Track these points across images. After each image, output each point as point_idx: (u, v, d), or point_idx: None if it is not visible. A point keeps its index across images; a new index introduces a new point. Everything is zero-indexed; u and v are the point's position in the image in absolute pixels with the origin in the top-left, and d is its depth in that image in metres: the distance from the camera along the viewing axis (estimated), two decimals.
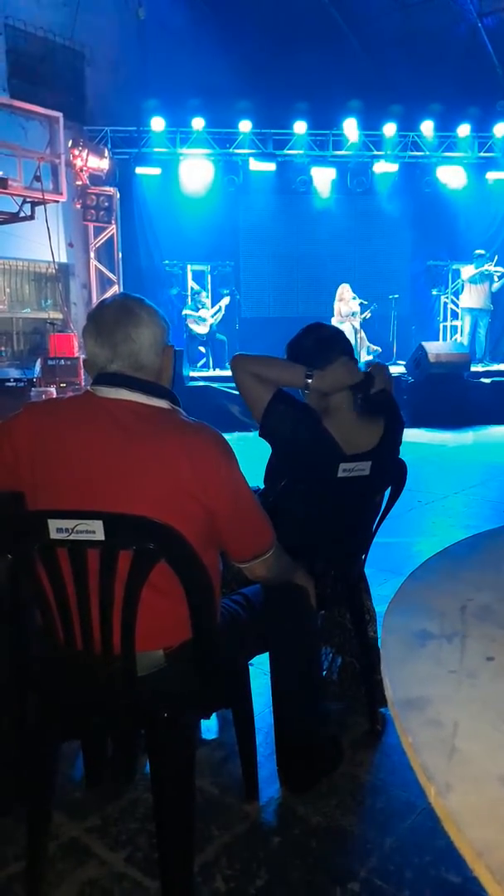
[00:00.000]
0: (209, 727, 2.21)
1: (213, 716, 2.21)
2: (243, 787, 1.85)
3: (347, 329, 9.81)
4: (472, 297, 10.56)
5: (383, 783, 1.93)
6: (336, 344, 2.00)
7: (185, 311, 10.58)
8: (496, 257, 10.50)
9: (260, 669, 2.01)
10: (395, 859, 1.63)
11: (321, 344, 2.00)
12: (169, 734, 1.44)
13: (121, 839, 1.71)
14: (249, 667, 1.82)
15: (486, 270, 10.29)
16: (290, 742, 1.89)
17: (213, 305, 10.74)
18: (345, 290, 10.36)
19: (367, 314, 10.39)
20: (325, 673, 2.36)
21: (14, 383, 8.07)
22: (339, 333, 2.10)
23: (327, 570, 2.06)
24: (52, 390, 8.23)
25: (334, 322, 9.78)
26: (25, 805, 1.56)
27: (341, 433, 1.94)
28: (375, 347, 10.74)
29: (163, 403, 1.47)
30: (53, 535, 1.31)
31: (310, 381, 1.91)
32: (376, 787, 1.92)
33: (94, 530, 1.29)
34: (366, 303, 10.37)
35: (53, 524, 1.31)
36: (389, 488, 2.10)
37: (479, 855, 0.50)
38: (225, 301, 10.69)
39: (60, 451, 1.41)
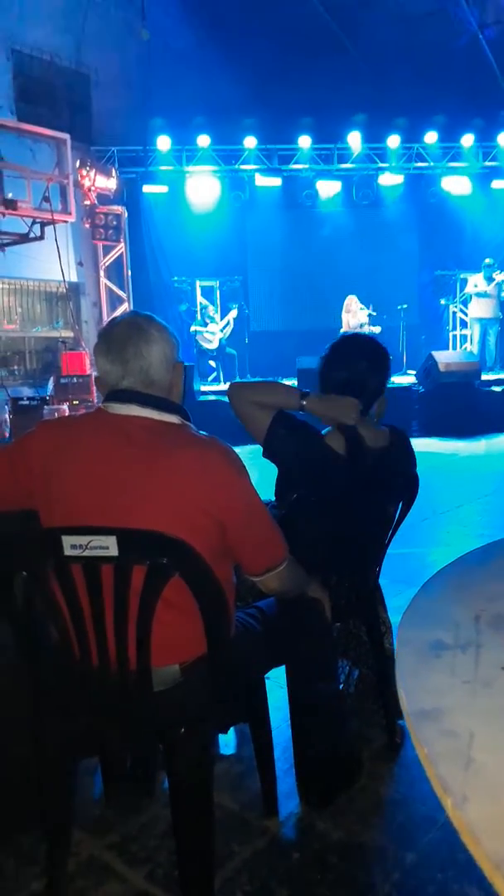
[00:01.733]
0: (227, 742, 2.20)
1: (231, 731, 2.20)
2: (262, 802, 1.84)
3: None
4: (481, 307, 10.56)
5: (403, 797, 1.91)
6: (355, 386, 1.97)
7: (193, 328, 10.64)
8: (500, 270, 10.49)
9: (276, 683, 2.00)
10: (418, 874, 1.62)
11: (344, 381, 1.97)
12: (186, 749, 1.44)
13: (140, 856, 1.70)
14: (266, 680, 1.82)
15: (485, 293, 10.28)
16: (309, 756, 1.88)
17: (220, 319, 10.80)
18: (352, 302, 10.38)
19: (377, 329, 10.39)
20: (341, 686, 2.35)
21: (27, 402, 8.13)
22: (368, 374, 2.00)
23: (341, 581, 2.06)
24: (65, 408, 8.29)
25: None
26: (45, 823, 1.56)
27: (343, 441, 1.94)
28: None
29: (174, 419, 1.48)
30: (67, 551, 1.32)
31: (304, 402, 1.90)
32: (396, 801, 1.90)
33: (108, 546, 1.30)
34: (374, 314, 10.38)
35: (67, 540, 1.32)
36: (402, 502, 2.09)
37: (497, 867, 0.49)
38: (233, 314, 10.75)
39: (74, 467, 1.42)
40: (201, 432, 1.49)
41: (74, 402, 8.59)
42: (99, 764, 1.94)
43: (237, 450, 1.50)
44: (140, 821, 1.82)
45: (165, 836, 1.74)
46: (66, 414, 7.83)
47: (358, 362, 1.98)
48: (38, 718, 1.65)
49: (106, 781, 1.90)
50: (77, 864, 1.67)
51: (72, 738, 1.54)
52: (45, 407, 7.89)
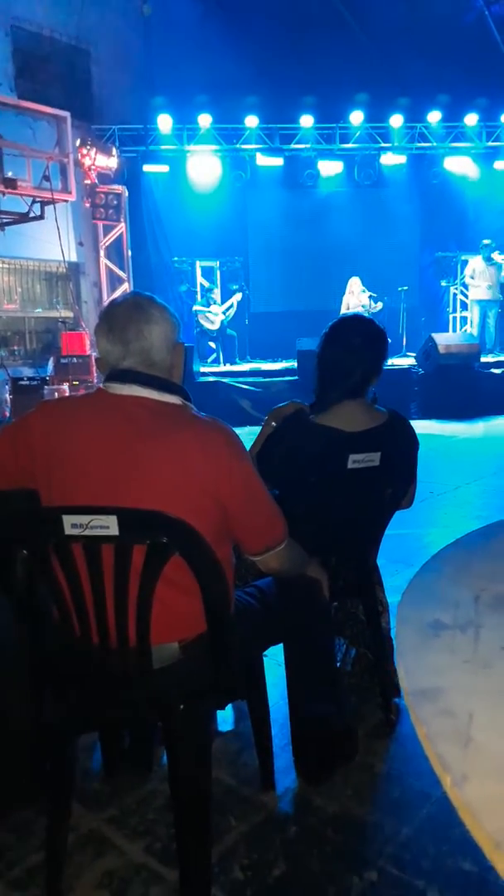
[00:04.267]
0: (225, 718, 2.23)
1: (229, 707, 2.23)
2: (259, 777, 1.87)
3: None
4: (481, 288, 10.51)
5: (398, 773, 1.94)
6: (348, 378, 1.98)
7: (196, 307, 10.60)
8: (498, 250, 10.44)
9: (274, 660, 2.03)
10: (412, 848, 1.64)
11: (334, 374, 1.99)
12: (185, 726, 1.46)
13: (139, 830, 1.73)
14: (264, 658, 1.84)
15: (479, 282, 10.24)
16: (306, 732, 1.90)
17: (222, 301, 10.75)
18: (354, 284, 10.33)
19: (379, 305, 10.35)
20: (339, 664, 2.37)
21: (27, 382, 8.12)
22: (361, 363, 2.00)
23: (340, 561, 2.07)
24: (65, 388, 8.28)
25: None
26: (45, 797, 1.58)
27: (343, 416, 1.95)
28: None
29: (174, 399, 1.48)
30: (68, 530, 1.32)
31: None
32: (391, 776, 1.93)
33: (109, 525, 1.31)
34: (375, 295, 10.34)
35: (68, 520, 1.32)
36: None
37: (497, 846, 0.50)
38: (236, 298, 10.71)
39: (74, 447, 1.43)
40: (202, 413, 1.50)
41: (74, 383, 8.58)
42: (98, 739, 1.97)
43: (237, 431, 1.50)
44: (138, 795, 1.85)
45: (163, 811, 1.77)
46: (67, 394, 7.83)
47: (353, 342, 1.99)
48: (38, 694, 1.67)
49: (105, 756, 1.93)
50: (76, 838, 1.69)
51: (71, 713, 1.56)
52: (45, 387, 7.88)
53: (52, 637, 1.50)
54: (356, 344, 1.98)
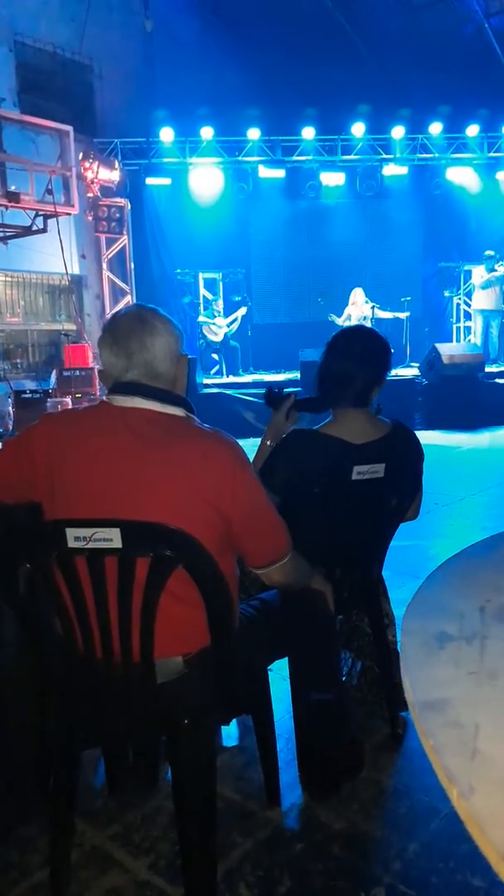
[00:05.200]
0: (230, 733, 2.21)
1: (234, 722, 2.21)
2: (265, 793, 1.85)
3: None
4: (484, 299, 10.53)
5: (406, 787, 1.91)
6: (349, 387, 1.97)
7: (201, 319, 10.63)
8: (502, 260, 10.45)
9: (279, 675, 2.01)
10: (420, 864, 1.62)
11: (335, 383, 1.99)
12: (189, 741, 1.44)
13: (143, 847, 1.71)
14: (269, 672, 1.82)
15: (493, 279, 10.24)
16: (311, 747, 1.88)
17: (226, 313, 10.78)
18: (357, 294, 10.35)
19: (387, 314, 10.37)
20: (344, 678, 2.35)
21: (30, 395, 8.13)
22: (360, 369, 1.98)
23: (345, 574, 2.06)
24: (68, 401, 8.29)
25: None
26: (48, 813, 1.56)
27: (347, 427, 1.95)
28: None
29: (178, 411, 1.48)
30: (71, 543, 1.32)
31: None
32: (399, 791, 1.91)
33: (112, 538, 1.30)
34: (377, 305, 10.35)
35: (71, 533, 1.32)
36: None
37: (503, 857, 0.49)
38: (242, 311, 10.74)
39: (77, 460, 1.42)
40: (205, 425, 1.49)
41: (77, 395, 8.59)
42: (102, 755, 1.95)
43: (240, 443, 1.50)
44: (143, 811, 1.83)
45: (168, 827, 1.75)
46: (69, 407, 7.84)
47: (354, 352, 1.99)
48: (43, 710, 1.66)
49: (109, 772, 1.91)
50: (80, 855, 1.68)
51: (75, 729, 1.54)
52: (49, 400, 7.90)
53: (56, 652, 1.49)
54: (358, 353, 1.98)
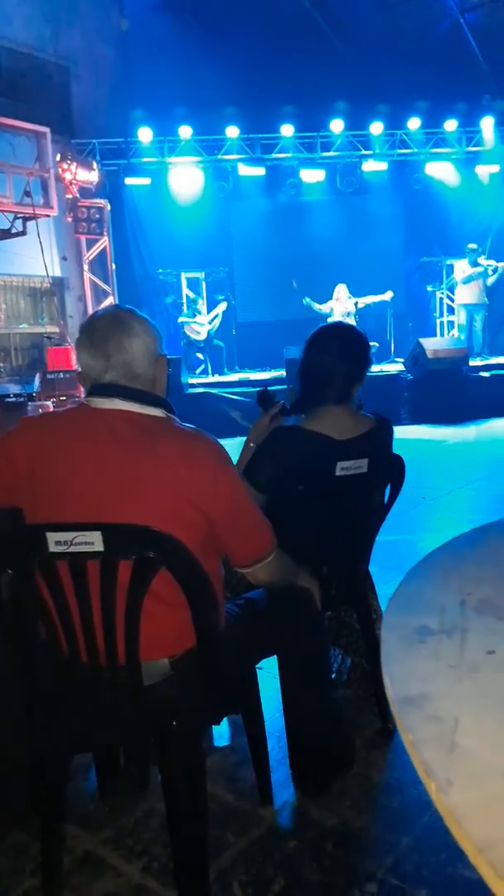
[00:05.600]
0: (221, 733, 2.20)
1: (225, 722, 2.21)
2: (257, 792, 1.84)
3: None
4: (467, 293, 10.57)
5: (397, 782, 1.92)
6: (331, 385, 1.98)
7: (181, 319, 10.60)
8: (485, 253, 10.52)
9: (270, 673, 2.01)
10: (412, 858, 1.63)
11: (317, 381, 1.99)
12: (178, 743, 1.44)
13: (136, 850, 1.70)
14: (258, 671, 1.82)
15: (474, 274, 10.29)
16: (303, 745, 1.89)
17: (208, 312, 10.76)
18: (340, 291, 10.35)
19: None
20: (334, 675, 2.36)
21: (14, 399, 8.08)
22: (342, 367, 2.00)
23: (331, 570, 2.06)
24: (49, 404, 8.25)
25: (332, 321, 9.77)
26: (39, 819, 1.55)
27: (330, 423, 1.95)
28: (374, 343, 10.73)
29: (157, 412, 1.47)
30: (52, 548, 1.31)
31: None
32: (390, 786, 1.91)
33: (93, 541, 1.29)
34: (358, 301, 10.35)
35: (52, 537, 1.31)
36: (389, 486, 2.10)
37: (480, 850, 0.49)
38: (222, 307, 10.70)
39: (58, 464, 1.41)
40: (186, 425, 1.49)
41: (62, 398, 8.56)
42: (93, 759, 1.94)
43: (222, 442, 1.49)
44: (135, 815, 1.82)
45: (161, 830, 1.74)
46: (51, 410, 7.80)
47: (333, 349, 2.00)
48: (30, 716, 1.65)
49: (100, 776, 1.90)
50: (72, 860, 1.67)
51: (64, 734, 1.54)
52: (30, 403, 7.85)
53: (42, 657, 1.48)
54: (337, 350, 1.99)
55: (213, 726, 2.16)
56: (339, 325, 2.16)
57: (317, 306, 10.14)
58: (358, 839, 1.71)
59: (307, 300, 10.14)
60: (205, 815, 1.49)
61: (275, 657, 1.84)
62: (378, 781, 1.93)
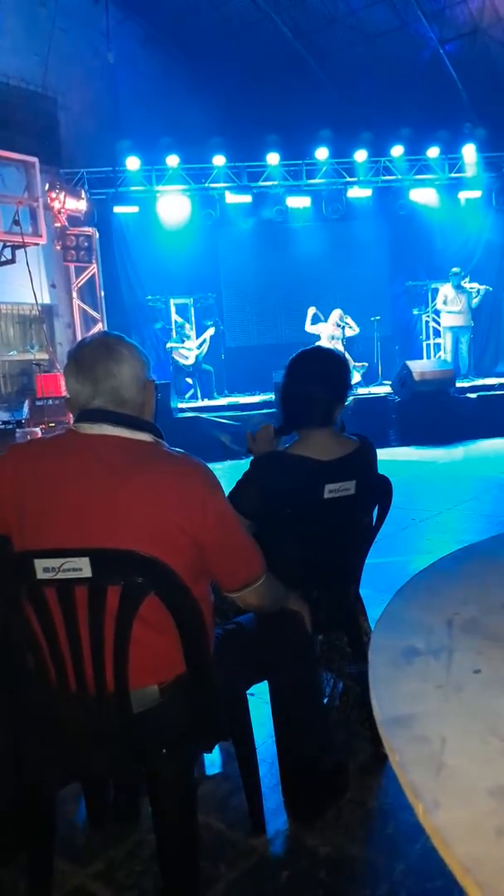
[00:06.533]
0: (213, 761, 2.18)
1: (217, 749, 2.18)
2: (249, 820, 1.82)
3: None
4: (452, 316, 10.69)
5: (391, 807, 1.90)
6: (312, 409, 1.99)
7: (169, 345, 10.65)
8: (468, 276, 10.68)
9: (261, 699, 1.99)
10: (407, 885, 1.60)
11: (299, 406, 2.01)
12: (168, 771, 1.42)
13: (127, 883, 1.67)
14: (250, 696, 1.80)
15: (456, 299, 10.44)
16: (295, 771, 1.86)
17: (197, 337, 10.82)
18: (334, 315, 10.45)
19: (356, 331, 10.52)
20: (326, 699, 2.34)
21: (3, 426, 8.08)
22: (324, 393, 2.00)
23: (321, 593, 2.06)
24: (38, 430, 8.24)
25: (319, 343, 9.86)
26: (26, 854, 1.53)
27: (314, 446, 1.96)
28: (362, 364, 10.81)
29: (146, 437, 1.47)
30: (40, 574, 1.30)
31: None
32: (384, 811, 1.89)
33: (81, 567, 1.29)
34: (346, 323, 10.45)
35: (40, 564, 1.30)
36: (377, 507, 2.10)
37: (466, 870, 0.49)
38: (210, 332, 10.77)
39: (45, 490, 1.41)
40: (174, 449, 1.49)
41: (51, 424, 8.55)
42: (82, 790, 1.91)
43: (211, 466, 1.50)
44: (125, 847, 1.79)
45: (152, 862, 1.71)
46: (39, 436, 7.79)
47: (313, 373, 2.01)
48: (18, 746, 1.62)
49: (89, 808, 1.87)
50: None
51: (52, 764, 1.51)
52: (18, 430, 7.84)
53: (30, 685, 1.46)
54: (318, 375, 2.01)
55: (206, 754, 2.13)
56: (318, 351, 2.17)
57: (311, 329, 10.24)
58: (352, 867, 1.69)
59: (311, 310, 10.23)
60: (195, 845, 1.47)
61: (266, 682, 1.83)
62: (372, 807, 1.91)
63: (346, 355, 10.37)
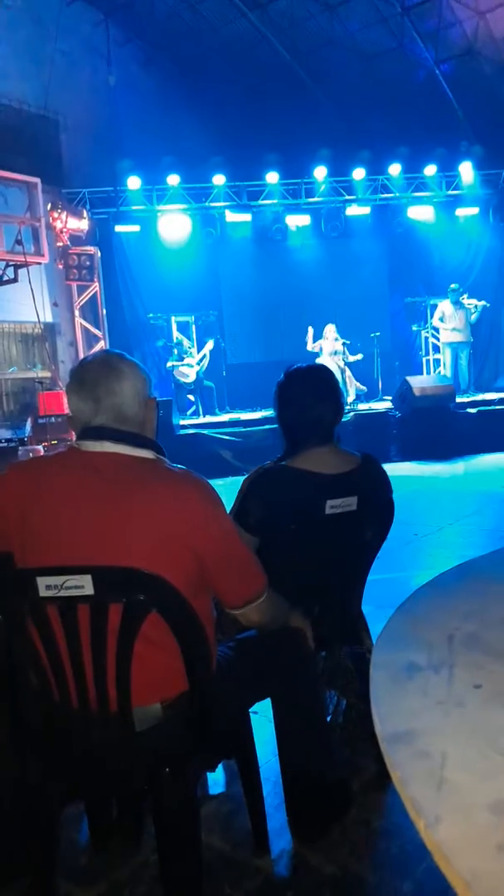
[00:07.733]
0: (216, 780, 2.16)
1: (220, 768, 2.17)
2: (252, 840, 1.80)
3: (333, 368, 9.90)
4: (451, 332, 10.74)
5: (396, 826, 1.88)
6: (316, 429, 2.00)
7: (170, 363, 10.69)
8: (466, 292, 10.75)
9: (265, 717, 1.98)
10: None
11: (304, 427, 2.00)
12: (170, 790, 1.41)
13: None
14: (253, 715, 1.80)
15: (454, 316, 10.51)
16: (299, 790, 1.85)
17: (198, 352, 10.87)
18: (329, 331, 10.50)
19: (359, 357, 10.57)
20: (329, 717, 2.32)
21: (5, 444, 8.10)
22: (325, 413, 2.00)
23: (324, 610, 2.05)
24: (40, 448, 8.26)
25: (320, 360, 9.89)
26: (29, 875, 1.52)
27: (318, 460, 1.96)
28: (362, 387, 10.86)
29: (147, 454, 1.48)
30: (42, 592, 1.31)
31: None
32: (389, 830, 1.87)
33: (84, 585, 1.29)
34: (348, 342, 10.51)
35: (42, 581, 1.31)
36: (379, 525, 2.10)
37: (468, 886, 0.49)
38: (209, 346, 10.81)
39: (48, 508, 1.42)
40: (176, 466, 1.50)
41: (53, 442, 8.57)
42: (85, 810, 1.90)
43: (212, 482, 1.50)
44: (129, 868, 1.77)
45: (156, 882, 1.70)
46: (41, 454, 7.81)
47: (305, 394, 2.00)
48: (20, 765, 1.62)
49: (92, 828, 1.86)
50: None
51: (55, 784, 1.51)
52: (21, 448, 7.86)
53: (32, 704, 1.46)
54: (319, 394, 2.00)
55: (209, 773, 2.11)
56: (311, 369, 2.12)
57: (311, 347, 10.29)
58: (357, 887, 1.67)
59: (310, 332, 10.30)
60: (199, 865, 1.46)
61: (269, 700, 1.82)
62: (377, 826, 1.89)
63: (348, 372, 10.43)
